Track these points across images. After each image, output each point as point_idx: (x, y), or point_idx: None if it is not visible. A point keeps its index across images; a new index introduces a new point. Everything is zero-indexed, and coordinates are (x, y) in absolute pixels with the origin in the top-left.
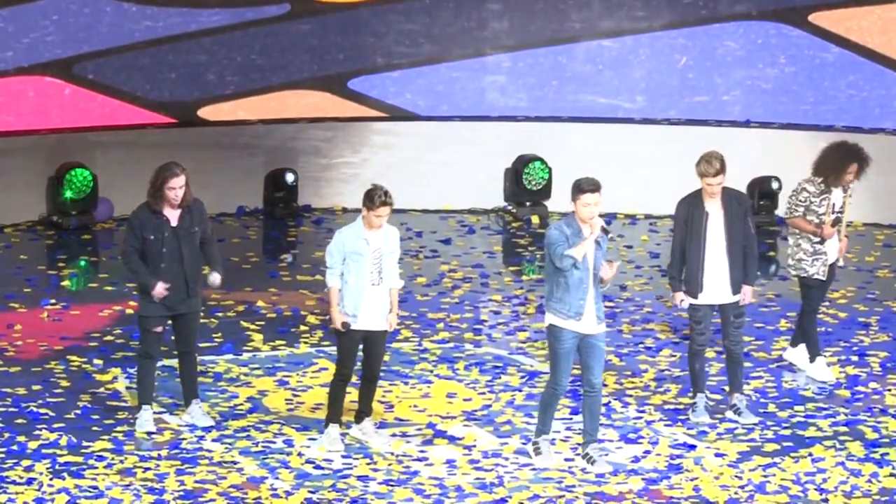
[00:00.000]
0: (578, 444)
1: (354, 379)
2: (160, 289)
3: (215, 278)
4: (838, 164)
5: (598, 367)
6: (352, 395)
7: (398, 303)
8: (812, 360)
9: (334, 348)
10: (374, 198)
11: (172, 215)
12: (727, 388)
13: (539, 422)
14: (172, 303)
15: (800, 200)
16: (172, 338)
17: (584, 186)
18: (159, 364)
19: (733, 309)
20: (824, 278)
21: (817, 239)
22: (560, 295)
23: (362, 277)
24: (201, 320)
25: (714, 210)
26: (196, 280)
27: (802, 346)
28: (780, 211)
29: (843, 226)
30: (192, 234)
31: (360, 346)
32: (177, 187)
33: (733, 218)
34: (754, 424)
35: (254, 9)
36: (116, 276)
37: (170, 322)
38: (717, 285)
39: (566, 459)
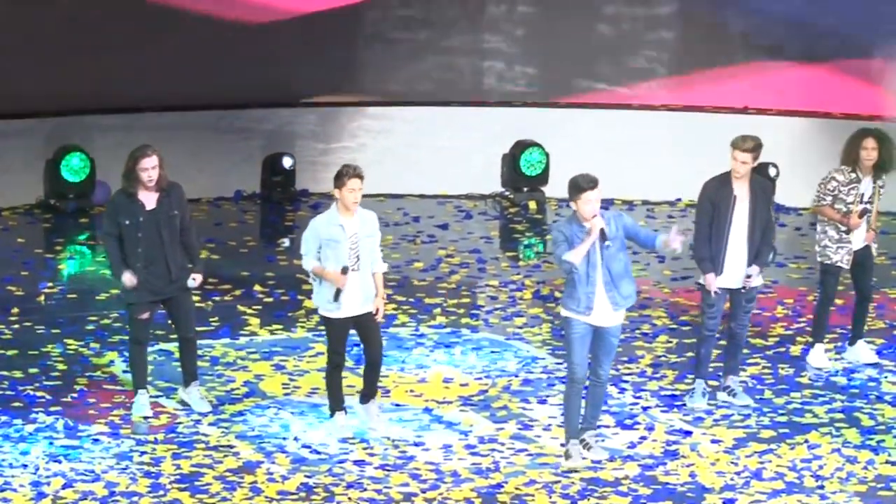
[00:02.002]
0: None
1: (351, 364)
2: (127, 279)
3: (194, 281)
4: (854, 142)
5: (606, 361)
6: (347, 379)
7: (383, 286)
8: (812, 345)
9: None
10: (343, 173)
11: (149, 199)
12: (721, 373)
13: (565, 423)
14: (156, 287)
15: (828, 189)
16: (170, 322)
17: (583, 185)
18: (157, 347)
19: (745, 294)
20: (847, 266)
21: (844, 227)
22: (570, 290)
23: (340, 264)
24: (198, 304)
25: (742, 194)
26: (178, 263)
27: (860, 342)
28: (778, 197)
29: (873, 216)
30: (171, 217)
31: (353, 332)
32: (149, 168)
33: (758, 204)
34: (748, 406)
35: None
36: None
37: (162, 309)
38: (735, 270)
39: (562, 445)
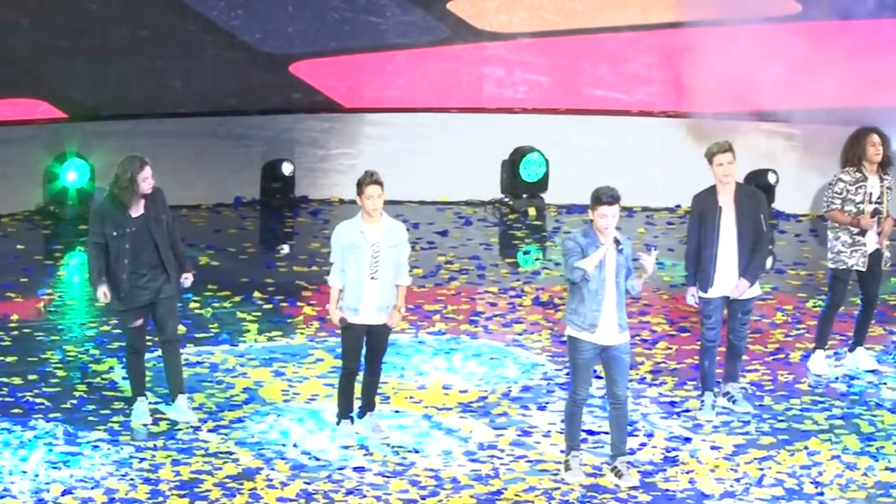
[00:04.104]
0: (606, 456)
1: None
2: (101, 294)
3: (187, 280)
4: (858, 140)
5: (622, 380)
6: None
7: (404, 300)
8: (813, 350)
9: (331, 340)
10: (361, 181)
11: (136, 206)
12: (721, 379)
13: (567, 437)
14: (152, 291)
15: (836, 192)
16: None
17: (602, 198)
18: (156, 354)
19: (741, 306)
20: (864, 269)
21: (857, 230)
22: (575, 306)
23: (361, 270)
24: (197, 311)
25: (727, 204)
26: (172, 265)
27: (860, 349)
28: (777, 204)
29: (886, 221)
30: (159, 221)
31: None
32: (149, 177)
33: (744, 213)
34: (748, 413)
35: None
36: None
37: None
38: (727, 280)
39: (562, 451)
